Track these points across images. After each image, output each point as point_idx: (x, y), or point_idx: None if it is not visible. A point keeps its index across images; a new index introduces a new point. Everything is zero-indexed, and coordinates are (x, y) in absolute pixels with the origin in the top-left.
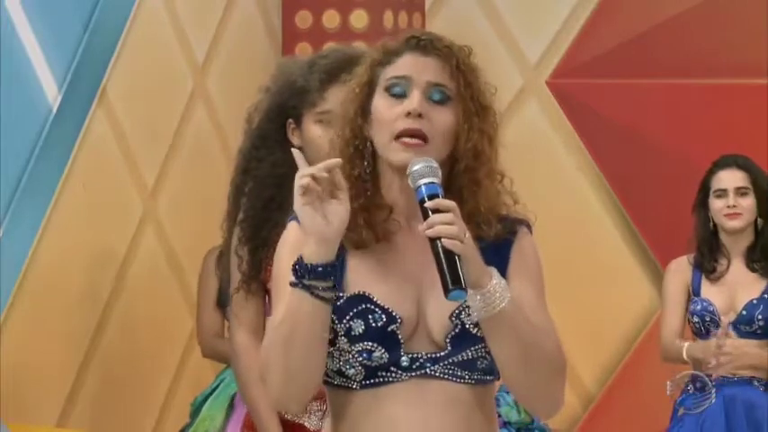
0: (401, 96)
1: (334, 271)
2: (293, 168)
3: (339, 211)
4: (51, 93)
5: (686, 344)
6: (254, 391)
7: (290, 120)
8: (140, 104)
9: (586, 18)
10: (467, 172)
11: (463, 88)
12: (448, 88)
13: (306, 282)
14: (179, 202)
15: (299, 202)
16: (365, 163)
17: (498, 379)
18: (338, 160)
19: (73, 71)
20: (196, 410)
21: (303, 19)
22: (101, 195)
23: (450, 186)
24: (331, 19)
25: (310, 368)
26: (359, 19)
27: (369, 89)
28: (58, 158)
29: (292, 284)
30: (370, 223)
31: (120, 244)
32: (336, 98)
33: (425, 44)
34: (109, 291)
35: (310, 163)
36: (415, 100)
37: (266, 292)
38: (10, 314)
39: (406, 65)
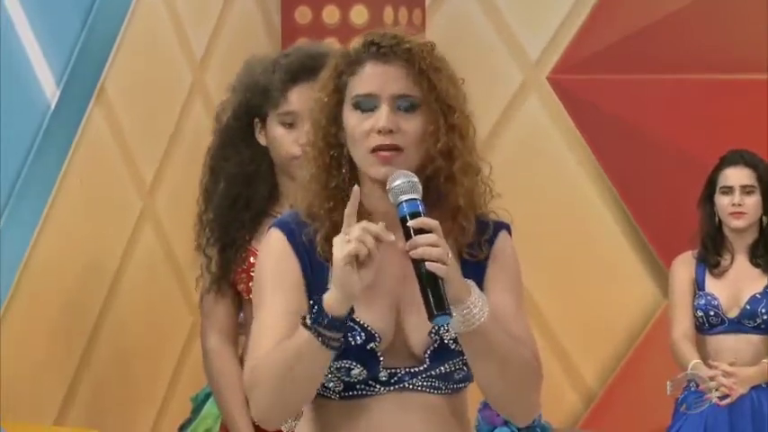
0: (370, 110)
1: (347, 323)
2: (260, 167)
3: (369, 272)
4: (49, 89)
5: (693, 362)
6: (227, 395)
7: (257, 119)
8: (139, 100)
9: (587, 14)
10: (441, 170)
11: (427, 90)
12: (413, 96)
13: (321, 330)
14: (178, 198)
15: (340, 262)
16: (343, 171)
17: (471, 382)
18: (391, 237)
19: (71, 67)
20: (198, 407)
21: (303, 14)
22: (99, 192)
23: (429, 186)
24: (331, 14)
25: (302, 400)
26: (359, 15)
27: (337, 98)
28: (56, 155)
29: (305, 326)
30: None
31: (118, 241)
32: (298, 98)
33: (386, 51)
34: (107, 287)
35: (275, 161)
36: (383, 116)
37: (236, 293)
38: (8, 310)
39: (370, 79)
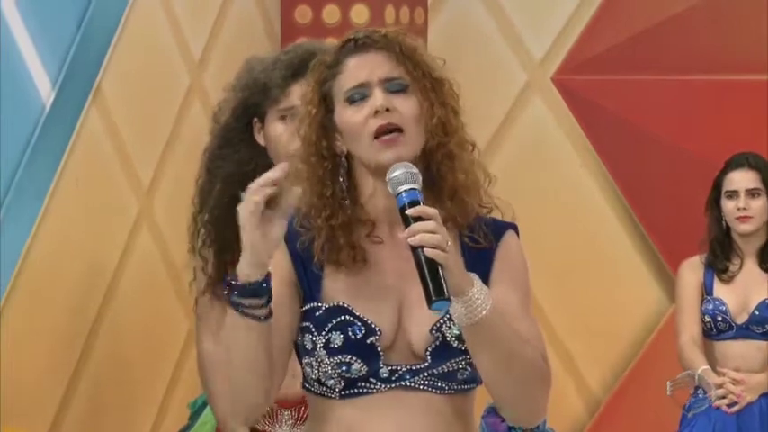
0: (363, 99)
1: (266, 289)
2: (258, 167)
3: (278, 230)
4: (45, 90)
5: (702, 368)
6: (220, 402)
7: (256, 119)
8: (136, 102)
9: (591, 14)
10: (439, 147)
11: (413, 69)
12: (401, 77)
13: (237, 300)
14: (175, 201)
15: (246, 214)
16: (340, 179)
17: (479, 385)
18: (283, 169)
19: (67, 68)
20: (196, 413)
21: (302, 14)
22: (95, 195)
23: (428, 169)
24: (331, 14)
25: (253, 387)
26: (359, 14)
27: (325, 107)
28: (51, 157)
29: (225, 300)
30: (350, 243)
31: (115, 243)
32: (299, 94)
33: (363, 43)
34: (103, 291)
35: (274, 160)
36: (378, 97)
37: None
38: (4, 313)
39: (356, 71)
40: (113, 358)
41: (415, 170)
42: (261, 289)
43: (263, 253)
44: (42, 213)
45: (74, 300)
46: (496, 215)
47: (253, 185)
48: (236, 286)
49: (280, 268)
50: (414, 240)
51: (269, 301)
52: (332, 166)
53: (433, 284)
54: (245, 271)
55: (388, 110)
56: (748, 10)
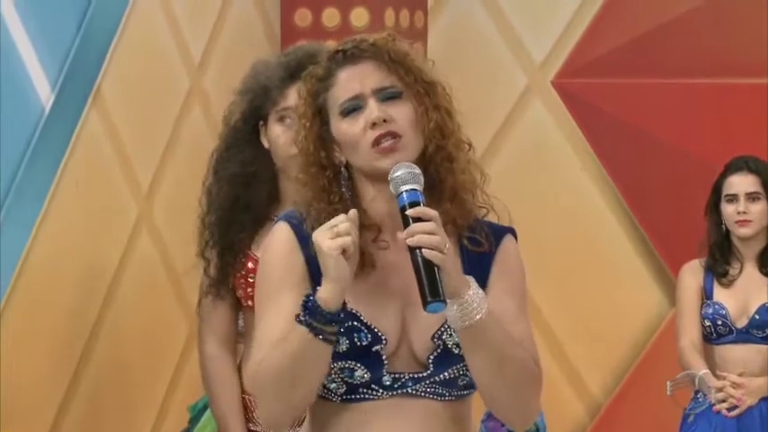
0: (359, 110)
1: (343, 317)
2: (261, 168)
3: (354, 264)
4: (44, 93)
5: (702, 372)
6: (222, 403)
7: (261, 122)
8: (135, 105)
9: (591, 18)
10: (438, 150)
11: (405, 76)
12: (393, 85)
13: (317, 325)
14: (175, 204)
15: (333, 252)
16: (342, 189)
17: (476, 390)
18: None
19: (66, 71)
20: (196, 416)
21: (302, 17)
22: (95, 198)
23: (427, 172)
24: (331, 17)
25: (308, 398)
26: (359, 17)
27: (320, 118)
28: (51, 159)
29: (301, 323)
30: (359, 248)
31: (114, 247)
32: (297, 96)
33: (352, 53)
34: (103, 295)
35: (276, 162)
36: (373, 110)
37: (236, 298)
38: (4, 316)
39: (348, 83)
40: (113, 361)
41: (418, 171)
42: (339, 317)
43: (346, 284)
44: (42, 215)
45: (74, 302)
46: (493, 217)
47: (341, 227)
48: (319, 313)
49: (295, 272)
50: (412, 241)
51: (341, 329)
52: (333, 174)
53: (429, 286)
54: (330, 300)
55: (385, 121)
56: (749, 13)
